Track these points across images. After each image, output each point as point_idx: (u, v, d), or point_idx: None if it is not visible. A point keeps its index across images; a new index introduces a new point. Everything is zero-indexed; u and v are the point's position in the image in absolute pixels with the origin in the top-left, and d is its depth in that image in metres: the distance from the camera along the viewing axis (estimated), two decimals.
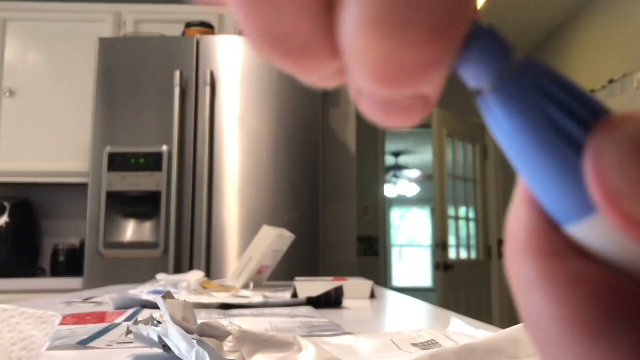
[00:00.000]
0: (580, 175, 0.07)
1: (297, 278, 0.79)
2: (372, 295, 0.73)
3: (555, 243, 0.08)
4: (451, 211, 2.96)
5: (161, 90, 1.49)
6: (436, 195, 2.86)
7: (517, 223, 0.08)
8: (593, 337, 0.07)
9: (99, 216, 1.45)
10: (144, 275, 1.37)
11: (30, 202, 1.84)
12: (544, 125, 0.08)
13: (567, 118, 0.08)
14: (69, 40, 1.78)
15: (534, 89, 0.08)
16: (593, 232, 0.07)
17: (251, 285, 0.80)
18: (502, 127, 0.08)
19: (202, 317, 0.49)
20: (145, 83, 1.51)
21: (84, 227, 1.56)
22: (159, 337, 0.32)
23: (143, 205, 1.47)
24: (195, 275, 0.79)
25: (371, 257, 3.53)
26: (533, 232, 0.08)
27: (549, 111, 0.08)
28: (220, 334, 0.30)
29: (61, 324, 0.43)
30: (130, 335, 0.34)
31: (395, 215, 6.10)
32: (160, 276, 0.84)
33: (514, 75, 0.08)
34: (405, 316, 0.55)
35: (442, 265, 2.79)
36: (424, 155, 5.08)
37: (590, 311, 0.07)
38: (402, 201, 5.99)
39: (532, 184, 0.08)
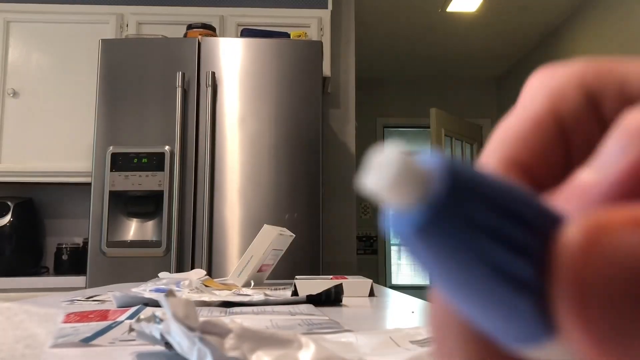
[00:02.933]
0: (526, 309, 0.06)
1: (297, 277, 0.80)
2: (372, 294, 0.73)
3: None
4: None
5: (163, 91, 1.50)
6: None
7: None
8: None
9: (102, 215, 1.46)
10: (147, 273, 1.38)
11: (33, 202, 1.85)
12: (482, 271, 0.06)
13: (511, 254, 0.06)
14: (72, 41, 1.79)
15: (462, 224, 0.06)
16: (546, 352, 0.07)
17: (252, 283, 0.80)
18: (431, 269, 0.07)
19: (204, 315, 0.50)
20: (147, 84, 1.51)
21: (87, 227, 1.57)
22: (162, 335, 0.32)
23: (146, 205, 1.47)
24: (197, 274, 0.79)
25: (371, 256, 3.53)
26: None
27: (485, 250, 0.06)
28: (221, 332, 0.30)
29: (64, 322, 0.43)
30: (133, 333, 0.34)
31: None
32: (163, 275, 0.85)
33: (434, 211, 0.06)
34: (404, 314, 0.55)
35: None
36: None
37: None
38: None
39: (471, 313, 0.07)
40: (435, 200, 0.06)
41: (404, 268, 4.07)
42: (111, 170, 1.46)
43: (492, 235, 0.06)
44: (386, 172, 0.06)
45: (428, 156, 0.06)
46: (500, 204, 0.06)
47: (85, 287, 1.46)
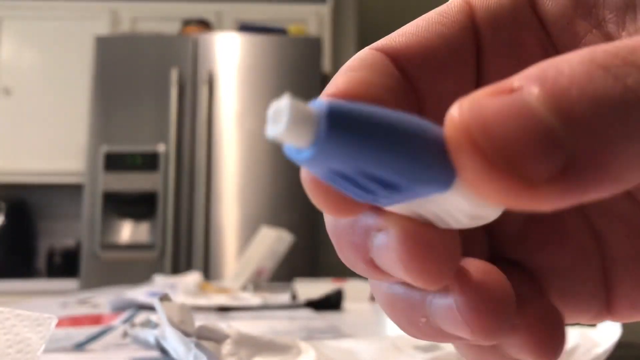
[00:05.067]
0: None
1: (296, 279, 0.79)
2: (373, 298, 0.72)
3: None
4: None
5: (158, 89, 1.49)
6: None
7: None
8: None
9: (95, 217, 1.44)
10: (141, 277, 1.36)
11: (25, 203, 1.83)
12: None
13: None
14: (65, 38, 1.77)
15: (343, 154, 0.08)
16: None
17: (251, 287, 0.80)
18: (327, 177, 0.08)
19: (200, 319, 0.49)
20: (142, 82, 1.50)
21: (79, 228, 1.56)
22: (156, 340, 0.31)
23: (140, 206, 1.46)
24: (193, 277, 0.78)
25: None
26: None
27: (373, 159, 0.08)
28: (218, 337, 0.30)
29: (57, 326, 0.43)
30: (128, 338, 0.34)
31: None
32: (158, 278, 0.84)
33: (317, 150, 0.08)
34: None
35: None
36: None
37: None
38: None
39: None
40: (318, 142, 0.07)
41: None
42: (104, 171, 1.45)
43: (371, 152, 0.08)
44: (280, 119, 0.08)
45: (315, 102, 0.08)
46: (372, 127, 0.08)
47: (78, 290, 1.44)
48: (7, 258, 1.71)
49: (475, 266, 0.10)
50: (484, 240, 0.12)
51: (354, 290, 0.70)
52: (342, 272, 1.85)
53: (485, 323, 0.09)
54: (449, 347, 0.34)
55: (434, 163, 0.08)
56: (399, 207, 0.09)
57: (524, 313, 0.10)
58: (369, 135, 0.08)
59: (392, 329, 0.50)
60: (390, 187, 0.08)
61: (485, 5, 0.11)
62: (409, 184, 0.08)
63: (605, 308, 0.11)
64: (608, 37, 0.11)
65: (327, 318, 0.51)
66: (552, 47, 0.11)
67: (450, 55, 0.11)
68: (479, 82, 0.12)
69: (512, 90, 0.08)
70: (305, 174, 0.09)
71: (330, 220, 0.10)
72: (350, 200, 0.09)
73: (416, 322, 0.10)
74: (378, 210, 0.09)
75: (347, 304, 0.64)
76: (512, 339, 0.10)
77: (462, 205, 0.09)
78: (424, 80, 0.11)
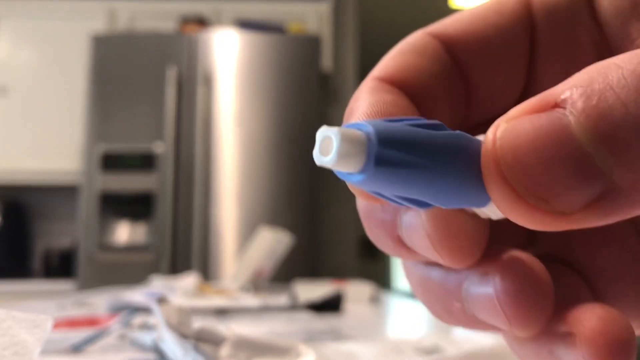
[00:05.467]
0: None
1: (296, 281, 0.79)
2: (374, 299, 0.72)
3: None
4: None
5: (156, 87, 1.48)
6: None
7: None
8: None
9: (92, 217, 1.43)
10: (138, 278, 1.35)
11: (21, 203, 1.82)
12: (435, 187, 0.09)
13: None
14: (62, 37, 1.76)
15: (392, 178, 0.08)
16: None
17: (250, 288, 0.79)
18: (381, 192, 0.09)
19: (199, 321, 0.48)
20: (139, 80, 1.49)
21: (76, 229, 1.55)
22: (154, 343, 0.31)
23: (137, 206, 1.45)
24: (192, 279, 0.78)
25: (372, 259, 3.52)
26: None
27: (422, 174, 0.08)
28: (216, 340, 0.29)
29: (54, 328, 0.42)
30: (125, 340, 0.33)
31: None
32: (155, 279, 0.83)
33: (369, 174, 0.08)
34: (408, 321, 0.54)
35: None
36: None
37: None
38: None
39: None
40: (366, 171, 0.08)
41: None
42: (101, 171, 1.44)
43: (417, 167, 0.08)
44: (329, 150, 0.08)
45: (361, 126, 0.08)
46: (416, 149, 0.08)
47: (75, 291, 1.43)
48: (3, 259, 1.71)
49: (516, 256, 0.10)
50: (525, 233, 0.12)
51: (354, 292, 0.70)
52: (342, 273, 1.85)
53: (524, 313, 0.09)
54: (449, 350, 0.34)
55: (471, 190, 0.09)
56: None
57: (579, 319, 0.09)
58: (414, 169, 0.08)
59: (393, 331, 0.49)
60: (427, 205, 0.09)
61: (543, 0, 0.11)
62: (446, 206, 0.09)
63: None
64: None
65: (327, 320, 0.51)
66: (607, 48, 0.11)
67: (504, 47, 0.11)
68: (530, 77, 0.11)
69: (555, 106, 0.08)
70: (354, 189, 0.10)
71: (361, 200, 0.11)
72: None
73: (450, 307, 0.10)
74: None
75: (347, 305, 0.64)
76: (568, 349, 0.09)
77: (497, 211, 0.09)
78: (476, 69, 0.11)
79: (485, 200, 0.09)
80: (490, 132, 0.08)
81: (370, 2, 2.75)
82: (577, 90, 0.07)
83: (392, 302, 0.71)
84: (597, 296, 0.11)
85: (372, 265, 3.50)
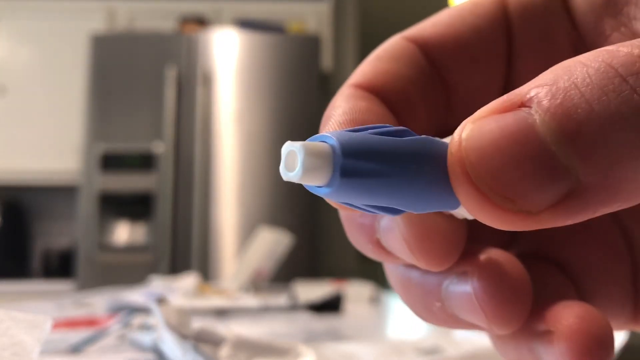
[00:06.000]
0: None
1: (296, 281, 0.78)
2: (374, 299, 0.72)
3: None
4: None
5: (155, 87, 1.48)
6: None
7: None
8: None
9: (91, 218, 1.43)
10: (138, 278, 1.35)
11: (20, 204, 1.82)
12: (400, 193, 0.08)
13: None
14: (61, 36, 1.76)
15: (358, 187, 0.08)
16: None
17: (250, 289, 0.79)
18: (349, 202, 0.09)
19: (198, 322, 0.48)
20: (138, 80, 1.49)
21: (75, 229, 1.55)
22: (153, 343, 0.31)
23: (136, 207, 1.45)
24: (191, 279, 0.77)
25: (372, 260, 3.51)
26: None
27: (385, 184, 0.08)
28: (216, 340, 0.29)
29: (53, 328, 0.42)
30: (124, 341, 0.33)
31: None
32: (155, 279, 0.83)
33: (334, 187, 0.08)
34: (408, 321, 0.54)
35: None
36: None
37: None
38: None
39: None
40: (334, 181, 0.08)
41: None
42: (101, 171, 1.44)
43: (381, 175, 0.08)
44: (294, 165, 0.08)
45: (325, 137, 0.08)
46: (380, 158, 0.08)
47: (74, 292, 1.43)
48: (2, 259, 1.70)
49: (495, 255, 0.10)
50: (507, 232, 0.12)
51: (354, 292, 0.70)
52: (342, 273, 1.85)
53: (502, 311, 0.09)
54: (450, 351, 0.33)
55: (441, 193, 0.08)
56: None
57: (557, 317, 0.09)
58: (380, 178, 0.08)
59: (393, 331, 0.49)
60: (399, 211, 0.09)
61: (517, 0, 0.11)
62: (418, 211, 0.09)
63: (632, 315, 0.11)
64: (635, 36, 0.10)
65: (327, 320, 0.50)
66: (583, 45, 0.11)
67: (481, 47, 0.11)
68: (508, 77, 0.11)
69: (521, 105, 0.08)
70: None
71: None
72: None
73: (430, 306, 0.10)
74: None
75: (347, 305, 0.64)
76: (547, 347, 0.09)
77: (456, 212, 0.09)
78: (454, 72, 0.11)
79: (456, 202, 0.09)
80: (457, 133, 0.08)
81: (370, 2, 2.75)
82: (543, 89, 0.07)
83: (392, 302, 0.71)
84: (582, 294, 0.11)
85: (371, 266, 3.49)
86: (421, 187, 0.08)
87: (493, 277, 0.09)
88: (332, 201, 0.09)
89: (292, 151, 0.08)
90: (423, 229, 0.09)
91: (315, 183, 0.08)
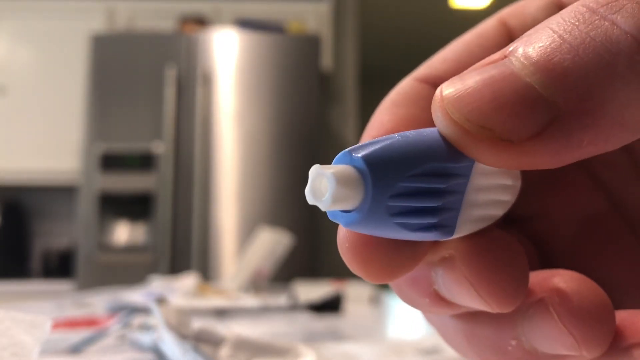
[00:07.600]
0: None
1: (296, 281, 0.78)
2: (374, 300, 0.72)
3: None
4: None
5: (155, 87, 1.48)
6: None
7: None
8: None
9: (91, 218, 1.43)
10: (138, 278, 1.35)
11: (20, 204, 1.82)
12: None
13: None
14: (60, 36, 1.76)
15: (382, 219, 0.08)
16: None
17: (250, 289, 0.79)
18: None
19: (198, 322, 0.48)
20: (138, 80, 1.49)
21: (75, 229, 1.55)
22: (153, 343, 0.31)
23: (136, 206, 1.45)
24: (191, 279, 0.77)
25: None
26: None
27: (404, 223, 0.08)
28: (216, 340, 0.29)
29: (53, 329, 0.42)
30: (124, 341, 0.33)
31: None
32: (155, 279, 0.83)
33: (361, 216, 0.08)
34: (408, 321, 0.54)
35: None
36: None
37: None
38: None
39: None
40: (362, 209, 0.08)
41: None
42: (100, 171, 1.44)
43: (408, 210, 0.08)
44: (322, 191, 0.08)
45: (354, 160, 0.08)
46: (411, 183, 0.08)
47: (74, 292, 1.43)
48: (1, 259, 1.70)
49: (564, 275, 0.09)
50: (533, 252, 0.12)
51: (354, 292, 0.70)
52: (342, 273, 1.85)
53: (593, 333, 0.09)
54: (450, 351, 0.33)
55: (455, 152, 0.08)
56: (459, 226, 0.09)
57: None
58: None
59: (393, 331, 0.49)
60: (434, 227, 0.08)
61: (521, 25, 0.11)
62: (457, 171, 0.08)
63: None
64: None
65: (326, 320, 0.50)
66: None
67: None
68: None
69: (504, 57, 0.08)
70: (343, 238, 0.09)
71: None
72: (393, 262, 0.09)
73: (504, 348, 0.10)
74: (434, 244, 0.09)
75: (347, 306, 0.64)
76: None
77: (486, 183, 0.09)
78: None
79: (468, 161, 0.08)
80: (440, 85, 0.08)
81: (370, 2, 2.75)
82: (521, 40, 0.08)
83: (392, 302, 0.71)
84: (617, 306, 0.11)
85: None
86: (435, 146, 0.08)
87: (574, 300, 0.09)
88: (350, 246, 0.09)
89: (320, 179, 0.08)
90: (487, 261, 0.09)
91: (345, 207, 0.08)
